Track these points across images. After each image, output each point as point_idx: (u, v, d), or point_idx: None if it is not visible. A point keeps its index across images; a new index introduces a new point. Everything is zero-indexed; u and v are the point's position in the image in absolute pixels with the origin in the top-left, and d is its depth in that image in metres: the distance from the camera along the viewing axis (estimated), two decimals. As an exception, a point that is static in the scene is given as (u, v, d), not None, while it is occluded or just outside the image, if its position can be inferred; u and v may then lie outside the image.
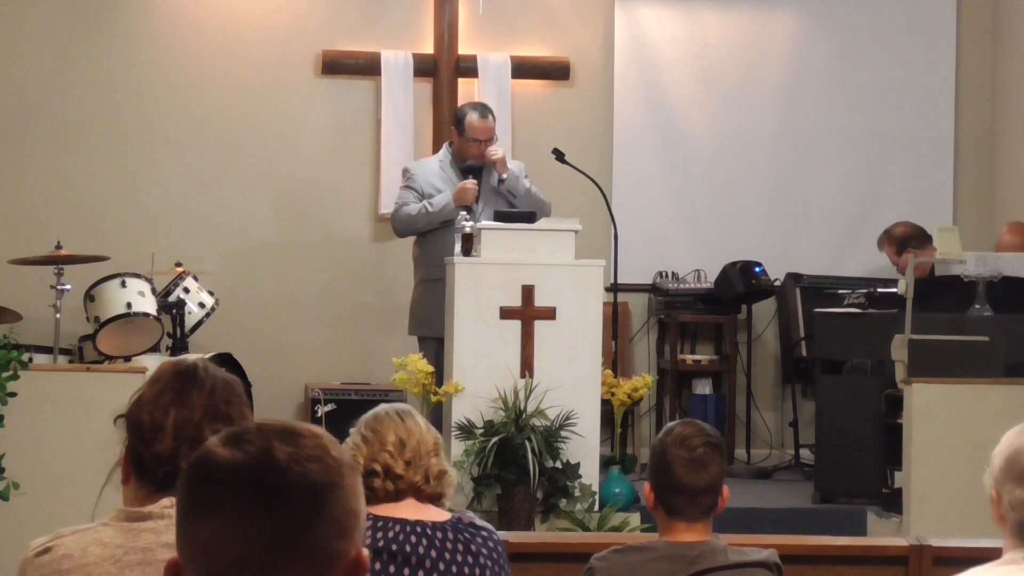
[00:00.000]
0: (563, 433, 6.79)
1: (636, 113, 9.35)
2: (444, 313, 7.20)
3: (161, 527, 2.33)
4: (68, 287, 7.56)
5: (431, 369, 6.99)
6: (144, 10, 8.99)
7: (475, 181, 7.57)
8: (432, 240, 7.64)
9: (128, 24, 8.97)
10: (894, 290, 7.34)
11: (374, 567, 3.14)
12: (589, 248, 7.77)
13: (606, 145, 9.29)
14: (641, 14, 9.37)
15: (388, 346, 8.48)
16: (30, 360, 6.32)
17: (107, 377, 6.33)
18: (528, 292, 6.96)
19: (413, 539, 3.16)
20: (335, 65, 9.10)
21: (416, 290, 7.86)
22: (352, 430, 3.32)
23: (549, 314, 6.96)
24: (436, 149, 8.81)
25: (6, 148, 8.84)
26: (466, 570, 3.18)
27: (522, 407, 6.77)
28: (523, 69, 9.21)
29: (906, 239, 8.27)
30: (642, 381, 7.19)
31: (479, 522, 3.29)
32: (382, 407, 3.34)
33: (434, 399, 6.93)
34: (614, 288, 7.90)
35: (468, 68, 9.14)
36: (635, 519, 6.80)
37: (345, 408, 8.30)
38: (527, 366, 6.91)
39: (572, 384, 6.91)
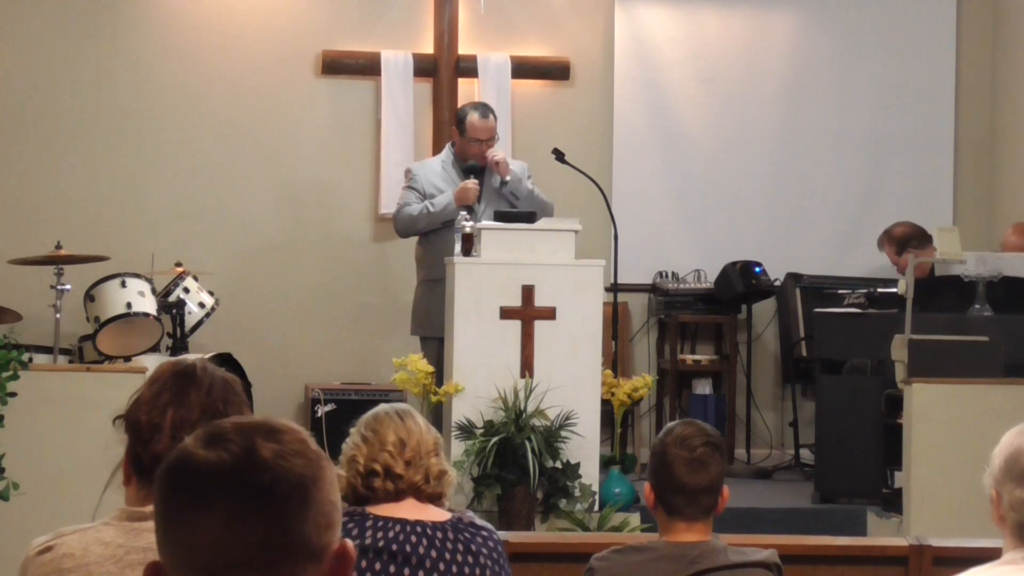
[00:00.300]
0: (563, 433, 6.79)
1: (636, 113, 9.35)
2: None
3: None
4: (68, 287, 7.56)
5: (431, 369, 6.99)
6: (144, 10, 8.99)
7: (476, 181, 7.57)
8: (434, 240, 7.63)
9: (128, 24, 8.97)
10: (894, 290, 7.34)
11: (374, 567, 3.14)
12: (589, 248, 7.77)
13: (606, 145, 9.29)
14: (641, 14, 9.37)
15: (388, 346, 8.48)
16: (30, 360, 6.32)
17: (107, 377, 6.32)
18: (528, 292, 6.96)
19: (413, 539, 3.16)
20: (335, 65, 9.10)
21: (418, 290, 7.87)
22: (352, 430, 3.32)
23: (549, 314, 6.96)
24: (436, 149, 8.81)
25: (6, 148, 8.84)
26: (466, 570, 3.18)
27: (522, 407, 6.77)
28: (523, 69, 9.21)
29: (906, 239, 8.27)
30: (642, 381, 7.19)
31: (479, 522, 3.29)
32: (382, 407, 3.34)
33: (434, 399, 6.93)
34: (614, 288, 7.90)
35: (468, 68, 9.14)
36: (635, 519, 6.80)
37: (345, 408, 8.30)
38: (527, 366, 6.91)
39: (572, 384, 6.91)
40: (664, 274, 9.21)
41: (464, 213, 7.25)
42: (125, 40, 8.96)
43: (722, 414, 8.86)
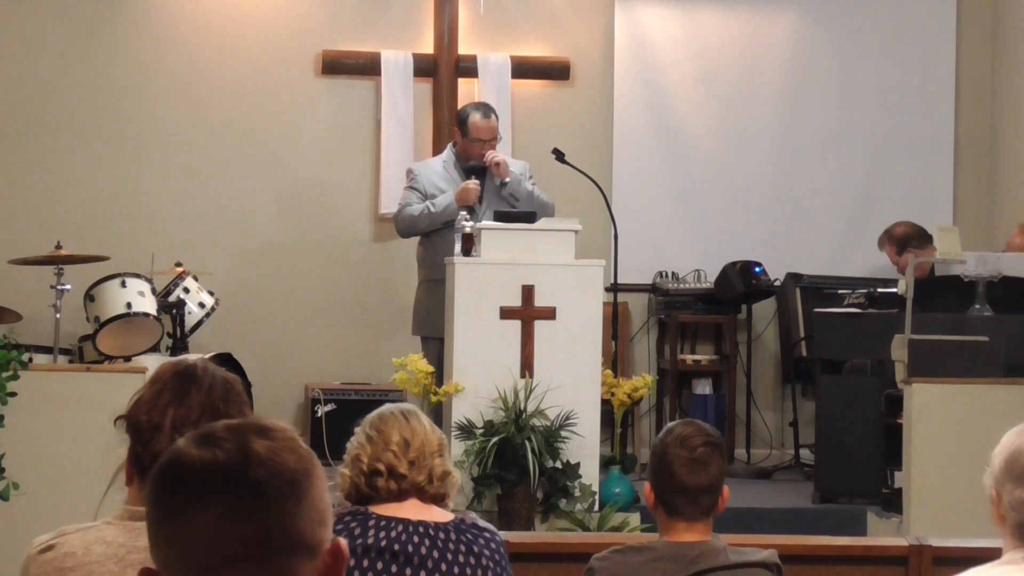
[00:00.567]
0: (563, 433, 6.79)
1: (636, 113, 9.35)
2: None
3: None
4: (68, 287, 7.56)
5: (431, 369, 6.99)
6: (144, 10, 8.99)
7: (478, 182, 7.57)
8: (435, 241, 7.63)
9: (128, 24, 8.97)
10: (894, 290, 7.34)
11: (376, 567, 3.14)
12: (589, 248, 7.77)
13: (606, 145, 9.30)
14: (641, 14, 9.37)
15: (388, 346, 8.48)
16: (30, 360, 6.32)
17: (107, 377, 6.32)
18: (528, 292, 6.96)
19: (416, 539, 3.16)
20: (335, 65, 9.10)
21: (419, 290, 7.87)
22: (357, 429, 3.32)
23: (549, 314, 6.96)
24: (436, 149, 8.82)
25: (6, 148, 8.85)
26: (468, 571, 3.18)
27: (522, 407, 6.77)
28: (523, 69, 9.21)
29: (906, 239, 8.28)
30: (642, 381, 7.19)
31: (482, 523, 3.29)
32: (387, 407, 3.35)
33: (434, 399, 6.93)
34: (614, 288, 7.90)
35: (468, 68, 9.14)
36: (635, 519, 6.80)
37: (345, 408, 8.31)
38: (527, 366, 6.91)
39: (572, 384, 6.91)
40: (664, 274, 9.21)
41: (464, 213, 7.25)
42: (125, 40, 8.96)
43: (722, 414, 8.86)
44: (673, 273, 9.20)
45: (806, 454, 8.72)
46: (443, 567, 3.16)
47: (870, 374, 7.76)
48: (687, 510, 3.39)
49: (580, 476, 6.83)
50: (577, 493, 6.82)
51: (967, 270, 7.35)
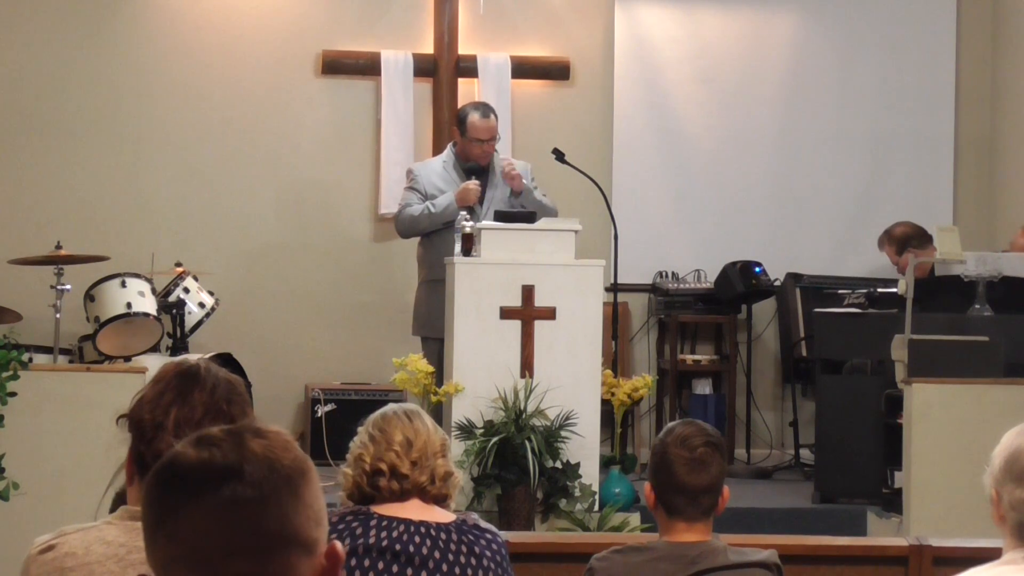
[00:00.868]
0: (563, 433, 6.79)
1: (636, 113, 9.35)
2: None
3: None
4: (68, 287, 7.56)
5: (431, 369, 6.99)
6: (144, 10, 8.99)
7: (477, 182, 7.57)
8: (436, 241, 7.63)
9: (128, 24, 8.98)
10: (894, 290, 7.34)
11: (377, 566, 3.14)
12: (589, 248, 7.77)
13: (606, 145, 9.30)
14: (641, 14, 9.37)
15: (388, 346, 8.48)
16: (30, 360, 6.32)
17: (107, 377, 6.32)
18: (528, 292, 6.96)
19: (417, 539, 3.16)
20: (335, 65, 9.10)
21: (419, 291, 7.87)
22: (360, 429, 3.32)
23: (549, 314, 6.96)
24: (436, 149, 8.82)
25: (6, 148, 8.85)
26: (469, 572, 3.18)
27: (522, 407, 6.77)
28: (523, 69, 9.21)
29: (906, 239, 8.27)
30: (642, 381, 7.19)
31: (483, 524, 3.29)
32: (390, 407, 3.35)
33: (434, 399, 6.93)
34: (614, 288, 7.90)
35: (468, 68, 9.14)
36: (635, 519, 6.80)
37: (345, 408, 8.31)
38: (527, 366, 6.91)
39: (572, 384, 6.91)
40: (664, 274, 9.21)
41: (464, 213, 7.25)
42: (125, 40, 8.97)
43: (722, 414, 8.86)
44: (673, 273, 9.20)
45: (806, 454, 8.72)
46: (444, 568, 3.16)
47: (870, 374, 7.75)
48: (687, 510, 3.39)
49: (580, 476, 6.83)
50: (577, 493, 6.82)
51: (967, 270, 7.35)
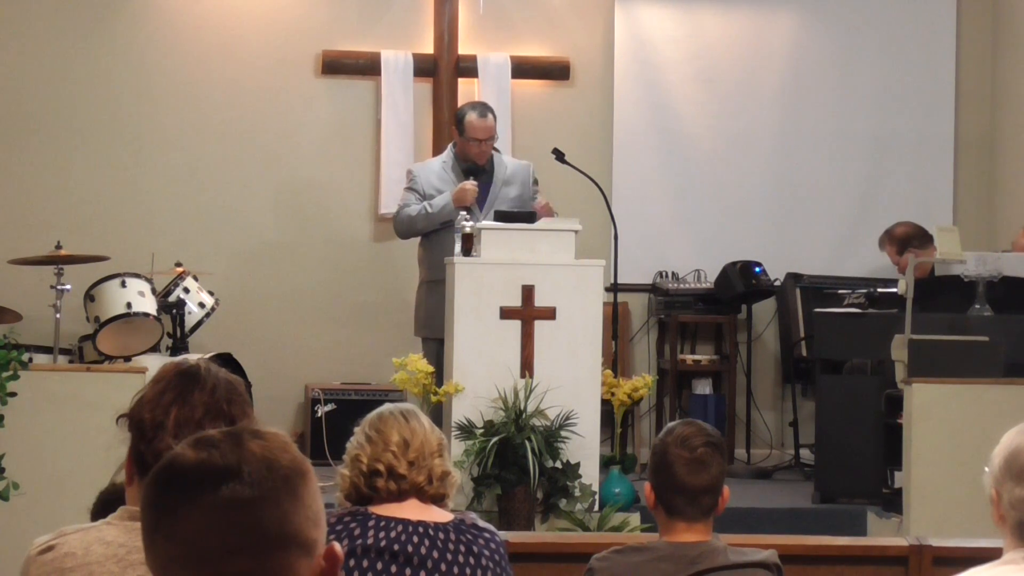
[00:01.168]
0: (563, 433, 6.79)
1: (636, 113, 9.35)
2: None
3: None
4: (68, 287, 7.56)
5: (431, 369, 6.99)
6: (144, 10, 8.99)
7: (475, 183, 7.57)
8: (435, 241, 7.63)
9: (128, 24, 8.98)
10: (894, 290, 7.34)
11: (376, 567, 3.14)
12: (589, 248, 7.76)
13: (606, 145, 9.30)
14: (641, 14, 9.37)
15: (388, 346, 8.47)
16: (30, 360, 6.32)
17: (107, 377, 6.32)
18: (528, 292, 6.96)
19: (415, 539, 3.16)
20: (335, 65, 9.10)
21: (419, 291, 7.87)
22: (356, 429, 3.32)
23: (549, 314, 6.96)
24: (436, 149, 8.82)
25: (6, 148, 8.85)
26: (468, 571, 3.18)
27: (522, 407, 6.77)
28: (523, 69, 9.21)
29: (907, 239, 8.27)
30: (642, 381, 7.19)
31: (481, 523, 3.29)
32: (387, 407, 3.34)
33: (434, 399, 6.93)
34: (614, 288, 7.90)
35: (468, 68, 9.14)
36: (635, 519, 6.80)
37: (345, 408, 8.30)
38: (527, 366, 6.91)
39: (572, 384, 6.91)
40: (664, 274, 9.21)
41: (464, 213, 7.25)
42: (125, 40, 8.97)
43: (722, 414, 8.86)
44: (673, 273, 9.20)
45: (806, 454, 8.72)
46: (443, 567, 3.16)
47: (870, 374, 7.75)
48: (687, 510, 3.39)
49: (580, 476, 6.83)
50: (577, 493, 6.82)
51: (967, 270, 7.35)
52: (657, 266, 9.22)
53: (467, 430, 6.79)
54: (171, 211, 8.96)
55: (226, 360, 7.78)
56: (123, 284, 7.77)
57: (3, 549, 5.17)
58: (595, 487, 6.89)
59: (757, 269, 8.93)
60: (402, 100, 9.06)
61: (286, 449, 1.63)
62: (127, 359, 7.71)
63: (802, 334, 8.77)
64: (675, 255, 9.26)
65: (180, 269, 8.21)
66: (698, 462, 3.38)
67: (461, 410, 6.87)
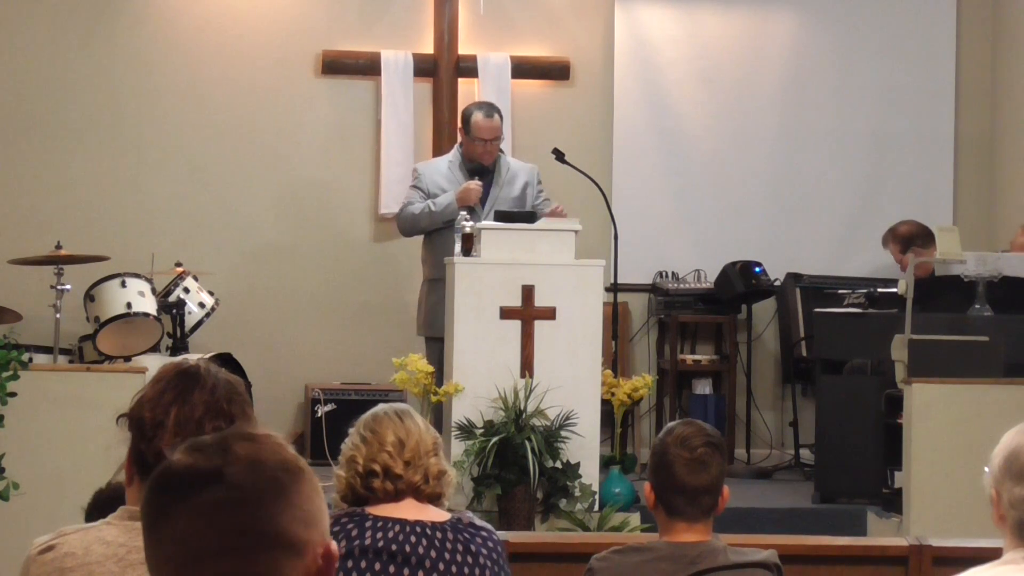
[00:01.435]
0: (563, 433, 6.79)
1: (636, 113, 9.35)
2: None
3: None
4: (68, 287, 7.56)
5: (431, 369, 6.99)
6: (144, 10, 8.99)
7: (479, 182, 7.57)
8: (438, 241, 7.62)
9: (128, 24, 8.98)
10: (894, 290, 7.34)
11: (374, 567, 3.13)
12: (589, 248, 7.77)
13: (606, 145, 9.30)
14: (641, 14, 9.37)
15: (388, 346, 8.47)
16: (30, 360, 6.32)
17: (107, 377, 6.33)
18: (528, 292, 6.96)
19: (413, 539, 3.16)
20: (335, 65, 9.10)
21: (422, 290, 7.88)
22: (351, 430, 3.32)
23: (549, 314, 6.96)
24: (436, 149, 8.84)
25: (6, 148, 8.85)
26: (466, 570, 3.17)
27: (522, 407, 6.77)
28: (523, 69, 9.21)
29: (911, 238, 8.27)
30: (642, 381, 7.19)
31: (479, 522, 3.29)
32: (381, 407, 3.34)
33: (434, 399, 6.93)
34: (614, 288, 7.90)
35: (468, 68, 9.14)
36: (635, 519, 6.80)
37: (345, 408, 8.30)
38: (527, 366, 6.91)
39: (572, 384, 6.91)
40: (664, 274, 9.21)
41: (464, 213, 7.25)
42: (125, 40, 8.97)
43: (722, 414, 8.86)
44: (673, 273, 9.20)
45: (806, 454, 8.72)
46: (440, 567, 3.16)
47: (870, 374, 7.75)
48: (687, 510, 3.39)
49: (580, 476, 6.83)
50: (577, 493, 6.82)
51: (967, 270, 7.35)
52: (657, 266, 9.22)
53: (467, 430, 6.79)
54: (171, 211, 8.96)
55: (226, 360, 7.78)
56: (123, 284, 7.77)
57: (3, 549, 5.17)
58: (595, 487, 6.89)
59: (757, 269, 8.93)
60: (402, 100, 9.06)
61: (276, 451, 1.65)
62: (127, 359, 7.71)
63: (802, 334, 8.78)
64: (675, 255, 9.26)
65: (180, 269, 8.21)
66: (698, 462, 3.38)
67: (461, 410, 6.87)
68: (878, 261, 8.90)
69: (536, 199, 7.70)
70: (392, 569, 3.13)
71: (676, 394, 8.96)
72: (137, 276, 7.87)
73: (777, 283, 9.02)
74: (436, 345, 7.46)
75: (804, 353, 8.73)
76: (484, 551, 3.21)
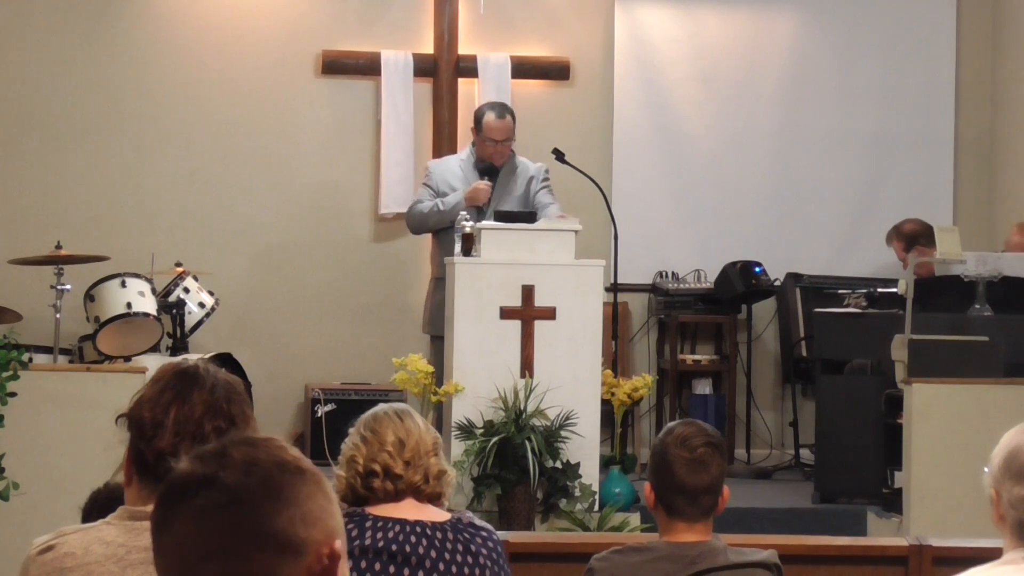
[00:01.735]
0: (563, 433, 6.80)
1: (636, 113, 9.35)
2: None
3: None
4: (68, 287, 7.56)
5: (431, 369, 7.00)
6: (144, 10, 8.99)
7: (489, 183, 7.57)
8: (447, 239, 7.61)
9: (128, 24, 8.97)
10: (894, 290, 7.34)
11: (374, 567, 3.13)
12: (589, 248, 7.77)
13: (606, 145, 9.30)
14: (641, 14, 9.37)
15: (388, 346, 8.48)
16: (30, 360, 6.32)
17: (107, 377, 6.33)
18: (528, 292, 6.96)
19: (413, 539, 3.16)
20: (335, 65, 9.10)
21: (429, 287, 7.90)
22: (351, 430, 3.32)
23: (549, 314, 6.96)
24: (436, 149, 8.85)
25: (6, 148, 8.85)
26: (466, 570, 3.17)
27: (522, 407, 6.77)
28: (523, 69, 9.21)
29: (915, 236, 8.27)
30: (642, 381, 7.20)
31: (479, 522, 3.29)
32: (381, 407, 3.34)
33: (434, 399, 6.94)
34: (614, 288, 7.90)
35: (468, 68, 9.14)
36: (635, 519, 6.81)
37: (345, 408, 8.30)
38: (527, 366, 6.91)
39: (572, 384, 6.91)
40: (664, 274, 9.21)
41: (464, 213, 7.25)
42: (125, 40, 8.97)
43: (722, 414, 8.86)
44: (673, 273, 9.20)
45: (806, 454, 8.72)
46: (441, 567, 3.16)
47: (870, 374, 7.75)
48: (687, 510, 3.39)
49: (580, 476, 6.83)
50: (577, 493, 6.82)
51: (967, 270, 7.35)
52: (657, 266, 9.22)
53: (467, 430, 6.79)
54: (171, 211, 8.96)
55: (226, 360, 7.79)
56: (123, 284, 7.77)
57: (3, 549, 5.17)
58: (595, 487, 6.89)
59: (757, 269, 8.93)
60: (402, 100, 9.06)
61: (273, 452, 1.65)
62: (127, 359, 7.71)
63: (802, 334, 8.78)
64: (675, 255, 9.26)
65: (180, 269, 8.21)
66: (698, 462, 3.38)
67: (461, 410, 6.87)
68: (878, 261, 8.90)
69: (538, 190, 7.68)
70: (392, 569, 3.14)
71: (676, 394, 8.96)
72: (137, 276, 7.87)
73: (777, 283, 9.02)
74: (440, 343, 7.46)
75: (804, 353, 8.74)
76: (484, 551, 3.21)
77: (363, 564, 3.13)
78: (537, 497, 6.77)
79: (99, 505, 3.01)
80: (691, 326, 9.28)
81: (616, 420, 7.23)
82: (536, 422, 6.76)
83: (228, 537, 1.59)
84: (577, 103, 9.31)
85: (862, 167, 9.49)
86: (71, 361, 7.87)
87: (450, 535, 3.19)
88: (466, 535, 3.21)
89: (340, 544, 1.64)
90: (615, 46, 9.34)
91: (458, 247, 7.07)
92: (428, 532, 3.18)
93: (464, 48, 9.16)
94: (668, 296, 9.08)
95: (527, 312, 6.95)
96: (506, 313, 6.95)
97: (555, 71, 9.29)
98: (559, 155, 7.87)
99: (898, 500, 6.88)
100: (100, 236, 8.61)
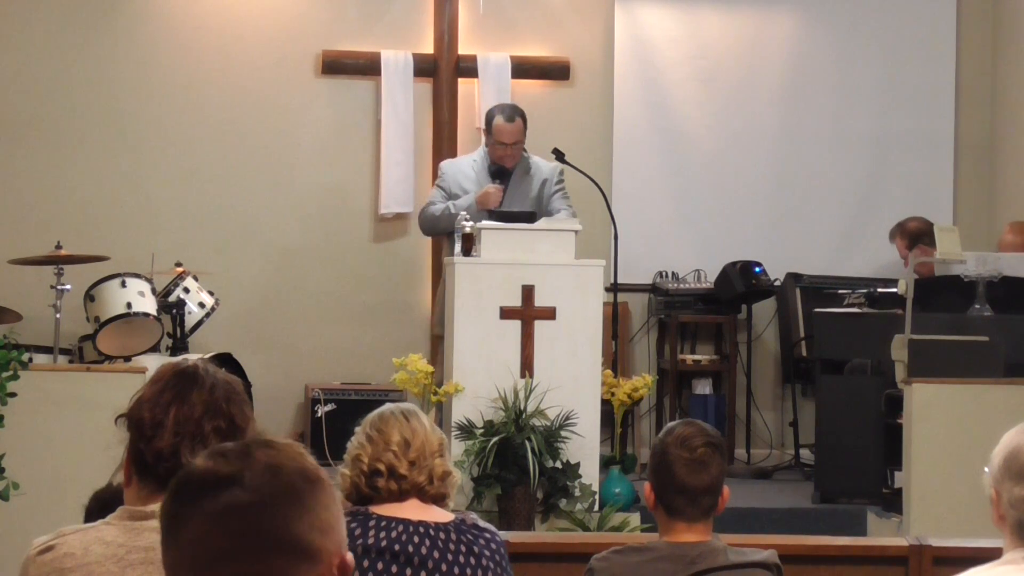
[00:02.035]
0: (563, 433, 6.80)
1: (636, 113, 9.35)
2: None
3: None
4: (68, 287, 7.56)
5: (431, 369, 7.00)
6: (144, 10, 8.99)
7: (500, 187, 7.57)
8: (458, 239, 7.62)
9: (128, 24, 8.98)
10: (894, 290, 7.34)
11: (376, 567, 3.14)
12: (589, 248, 7.77)
13: (606, 145, 9.29)
14: (641, 14, 9.37)
15: (388, 346, 8.48)
16: (30, 360, 6.32)
17: (107, 377, 6.33)
18: (528, 292, 6.96)
19: (416, 539, 3.16)
20: (335, 65, 9.10)
21: (440, 287, 7.90)
22: (357, 429, 3.32)
23: (549, 314, 6.96)
24: (436, 149, 8.86)
25: (6, 148, 8.85)
26: (468, 571, 3.18)
27: (522, 407, 6.77)
28: (523, 69, 9.21)
29: (919, 235, 8.27)
30: (642, 381, 7.20)
31: (482, 524, 3.29)
32: (387, 407, 3.35)
33: (434, 399, 6.94)
34: (614, 288, 7.90)
35: (468, 68, 9.14)
36: (635, 519, 6.81)
37: (345, 408, 8.31)
38: (527, 366, 6.91)
39: (572, 384, 6.91)
40: (664, 274, 9.21)
41: (464, 213, 7.25)
42: (125, 40, 8.97)
43: (722, 414, 8.86)
44: (673, 273, 9.20)
45: (806, 454, 8.72)
46: (443, 567, 3.16)
47: (870, 374, 7.75)
48: (687, 510, 3.39)
49: (580, 476, 6.83)
50: (577, 493, 6.82)
51: (967, 270, 7.35)
52: (657, 266, 9.22)
53: (467, 430, 6.79)
54: (171, 211, 8.96)
55: (226, 360, 7.79)
56: (123, 284, 7.77)
57: (3, 549, 5.17)
58: (595, 487, 6.89)
59: (757, 269, 8.93)
60: (402, 100, 9.06)
61: (295, 459, 1.66)
62: (127, 359, 7.71)
63: (802, 334, 8.78)
64: (675, 255, 9.26)
65: (180, 269, 8.21)
66: (698, 462, 3.38)
67: (461, 410, 6.87)
68: (878, 261, 8.90)
69: (552, 193, 7.68)
70: (395, 569, 3.14)
71: (676, 394, 8.96)
72: (137, 276, 7.87)
73: (777, 283, 9.02)
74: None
75: (804, 353, 8.73)
76: (487, 553, 3.21)
77: (365, 563, 3.13)
78: (537, 497, 6.77)
79: (102, 504, 3.01)
80: (691, 326, 9.28)
81: (616, 420, 7.23)
82: (536, 422, 6.76)
83: (248, 538, 1.59)
84: (577, 103, 9.31)
85: (862, 167, 9.49)
86: (71, 361, 7.87)
87: (453, 536, 3.19)
88: (469, 536, 3.21)
89: (350, 557, 1.65)
90: (615, 46, 9.34)
91: (458, 247, 7.07)
92: (431, 533, 3.18)
93: (464, 48, 9.16)
94: (668, 296, 9.08)
95: (527, 312, 6.95)
96: (506, 313, 6.95)
97: (555, 71, 9.29)
98: (559, 155, 7.87)
99: (898, 500, 6.88)
100: (100, 236, 8.61)
